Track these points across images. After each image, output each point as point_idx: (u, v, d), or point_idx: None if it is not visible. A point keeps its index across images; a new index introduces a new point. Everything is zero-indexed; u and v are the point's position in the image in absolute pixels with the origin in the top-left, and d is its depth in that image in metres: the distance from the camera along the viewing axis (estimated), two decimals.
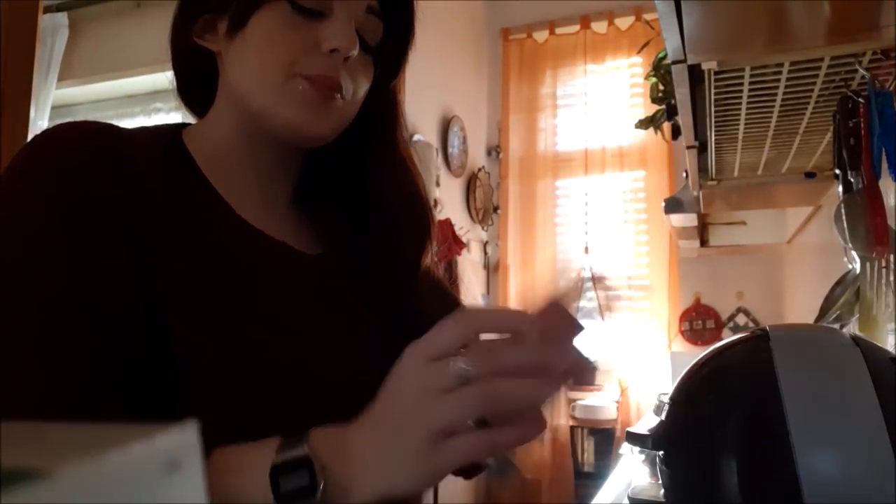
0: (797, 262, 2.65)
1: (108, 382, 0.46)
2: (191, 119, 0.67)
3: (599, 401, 3.24)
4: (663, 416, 0.62)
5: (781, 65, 0.97)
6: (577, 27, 3.57)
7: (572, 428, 3.28)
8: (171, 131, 0.61)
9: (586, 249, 3.50)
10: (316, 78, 0.57)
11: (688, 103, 1.11)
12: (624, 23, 3.49)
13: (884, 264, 0.96)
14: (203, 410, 0.39)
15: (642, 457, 1.17)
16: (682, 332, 3.35)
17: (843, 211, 1.00)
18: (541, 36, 3.65)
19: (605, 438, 3.22)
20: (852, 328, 1.07)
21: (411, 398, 0.40)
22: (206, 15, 0.59)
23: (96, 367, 0.46)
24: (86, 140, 0.51)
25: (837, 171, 1.06)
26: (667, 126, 1.77)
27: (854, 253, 1.01)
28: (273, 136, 0.60)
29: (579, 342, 0.41)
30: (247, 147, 0.61)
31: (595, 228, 3.50)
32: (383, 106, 0.66)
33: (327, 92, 0.57)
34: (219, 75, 0.62)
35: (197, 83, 0.64)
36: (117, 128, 0.55)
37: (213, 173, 0.59)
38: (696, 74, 1.01)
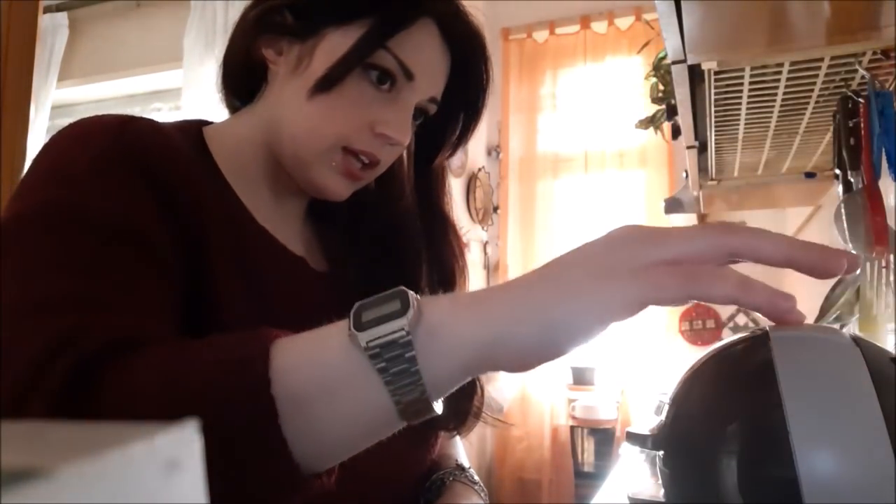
0: None
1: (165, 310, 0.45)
2: (188, 116, 0.67)
3: (599, 401, 3.24)
4: (663, 416, 0.62)
5: (781, 65, 0.97)
6: (577, 27, 3.57)
7: (572, 428, 3.28)
8: (193, 129, 0.61)
9: None
10: (360, 152, 0.57)
11: (688, 103, 1.11)
12: (624, 23, 3.48)
13: (884, 264, 0.96)
14: None
15: (642, 457, 1.17)
16: (682, 332, 3.35)
17: (843, 211, 1.00)
18: (541, 36, 3.65)
19: (605, 438, 3.22)
20: (852, 328, 1.07)
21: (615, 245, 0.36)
22: (278, 36, 0.58)
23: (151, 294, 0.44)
24: (123, 131, 0.50)
25: (837, 171, 1.06)
26: (667, 126, 1.77)
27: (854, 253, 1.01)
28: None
29: None
30: (269, 163, 0.61)
31: (595, 228, 3.50)
32: (433, 174, 0.68)
33: (360, 173, 0.59)
34: (265, 83, 0.61)
35: (241, 82, 0.64)
36: (150, 120, 0.54)
37: (233, 179, 0.59)
38: (696, 74, 1.01)
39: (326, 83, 0.55)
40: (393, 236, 0.66)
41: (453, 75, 0.62)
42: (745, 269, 0.35)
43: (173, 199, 0.50)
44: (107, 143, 0.48)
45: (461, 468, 0.68)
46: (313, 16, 0.57)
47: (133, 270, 0.44)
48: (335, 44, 0.55)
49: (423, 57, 0.58)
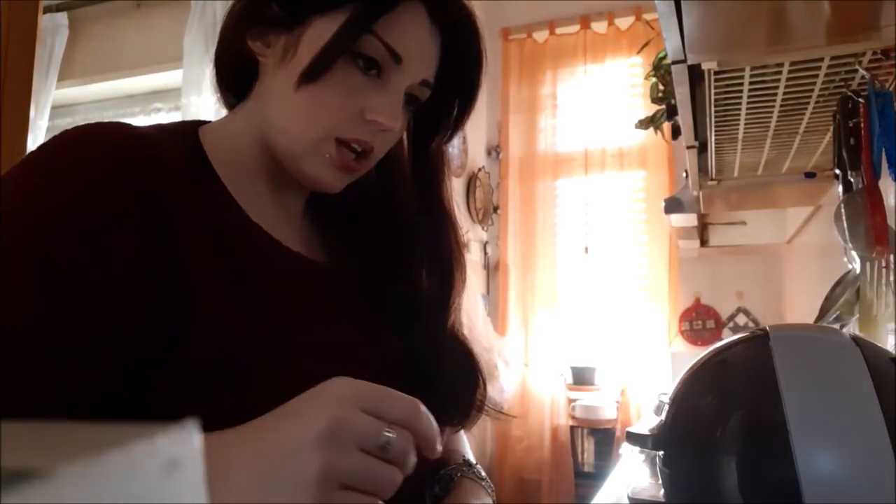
0: (797, 262, 2.65)
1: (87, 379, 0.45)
2: (191, 117, 0.66)
3: (599, 401, 3.24)
4: (663, 416, 0.62)
5: (781, 65, 0.97)
6: (577, 27, 3.57)
7: (572, 428, 3.28)
8: (188, 130, 0.60)
9: (586, 249, 3.50)
10: (352, 141, 0.57)
11: (688, 103, 1.11)
12: (624, 23, 3.48)
13: (884, 264, 0.96)
14: (214, 408, 0.39)
15: (642, 457, 1.17)
16: (682, 332, 3.35)
17: (843, 211, 1.00)
18: (541, 36, 3.65)
19: (605, 438, 3.22)
20: (852, 328, 1.07)
21: (329, 432, 0.40)
22: (265, 28, 0.58)
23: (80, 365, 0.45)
24: (109, 141, 0.50)
25: (837, 171, 1.06)
26: (667, 126, 1.77)
27: (854, 253, 1.01)
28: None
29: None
30: (265, 158, 0.61)
31: (595, 228, 3.50)
32: (431, 160, 0.67)
33: (355, 165, 0.58)
34: (257, 78, 0.61)
35: (234, 78, 0.63)
36: (137, 128, 0.54)
37: (229, 177, 0.58)
38: (696, 74, 1.01)
39: (313, 73, 0.55)
40: (394, 228, 0.66)
41: (446, 56, 0.61)
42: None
43: (152, 215, 0.49)
44: (85, 167, 0.48)
45: (468, 464, 0.68)
46: (298, 5, 0.56)
47: (72, 328, 0.45)
48: (321, 32, 0.55)
49: (411, 39, 0.57)
